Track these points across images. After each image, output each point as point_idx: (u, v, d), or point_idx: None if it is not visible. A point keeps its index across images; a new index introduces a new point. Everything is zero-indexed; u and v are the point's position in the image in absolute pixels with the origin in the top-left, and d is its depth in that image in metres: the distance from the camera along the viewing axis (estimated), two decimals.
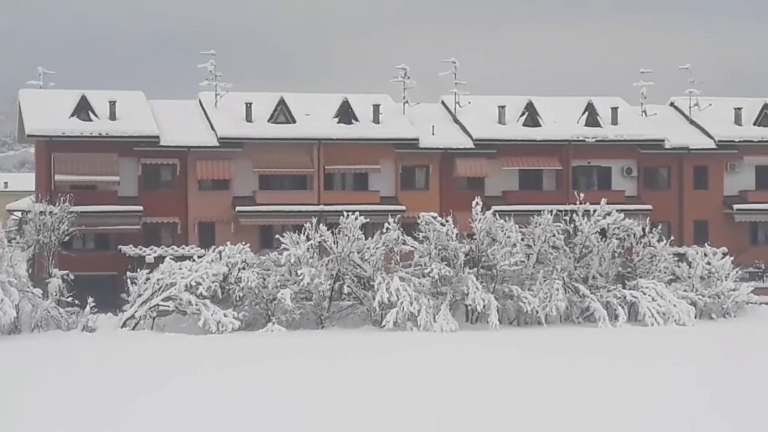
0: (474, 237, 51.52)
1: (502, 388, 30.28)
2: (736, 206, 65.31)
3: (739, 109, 67.45)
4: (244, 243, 51.80)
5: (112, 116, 59.64)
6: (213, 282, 48.83)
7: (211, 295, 48.83)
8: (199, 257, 50.97)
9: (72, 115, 59.11)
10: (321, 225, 51.59)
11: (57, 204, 54.20)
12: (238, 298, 49.53)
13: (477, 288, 49.06)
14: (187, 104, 64.73)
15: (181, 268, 49.22)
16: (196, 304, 48.05)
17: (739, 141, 65.90)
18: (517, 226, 51.59)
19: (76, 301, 49.38)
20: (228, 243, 51.78)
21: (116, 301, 51.84)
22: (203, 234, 59.94)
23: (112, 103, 59.83)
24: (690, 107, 68.32)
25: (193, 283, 48.43)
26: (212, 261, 49.98)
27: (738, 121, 67.14)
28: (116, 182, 58.73)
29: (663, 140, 64.82)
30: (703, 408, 27.22)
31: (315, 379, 32.32)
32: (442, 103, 67.15)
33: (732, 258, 55.42)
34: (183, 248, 56.69)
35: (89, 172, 58.29)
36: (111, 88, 63.42)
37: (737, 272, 54.59)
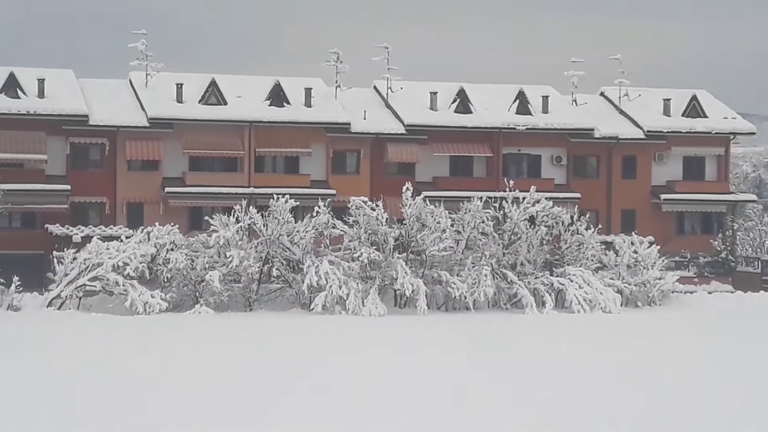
0: (404, 222, 51.57)
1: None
2: (663, 196, 66.03)
3: (668, 100, 68.13)
4: (172, 224, 51.45)
5: (41, 94, 59.05)
6: (141, 263, 48.46)
7: (138, 275, 48.46)
8: (127, 238, 50.53)
9: (0, 92, 58.41)
10: (251, 207, 51.35)
11: None
12: (165, 280, 49.20)
13: (406, 273, 49.12)
14: (117, 84, 64.25)
15: (108, 248, 48.77)
16: (123, 285, 47.67)
17: (668, 131, 66.60)
18: (446, 212, 51.68)
19: (1, 280, 48.72)
20: (157, 224, 51.41)
21: (42, 281, 51.32)
22: (132, 214, 59.56)
23: (41, 81, 59.23)
24: (620, 97, 68.93)
25: (121, 264, 48.04)
26: (140, 242, 49.60)
27: (667, 111, 67.82)
28: (44, 161, 58.18)
29: (592, 129, 65.35)
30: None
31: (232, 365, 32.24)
32: (375, 88, 67.21)
33: (658, 247, 55.94)
34: (111, 228, 56.28)
35: (16, 150, 57.67)
36: (40, 65, 62.69)
37: (663, 261, 55.10)
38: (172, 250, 49.38)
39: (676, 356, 34.94)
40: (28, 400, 25.46)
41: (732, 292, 60.07)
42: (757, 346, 38.21)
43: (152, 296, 47.43)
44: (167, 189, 59.60)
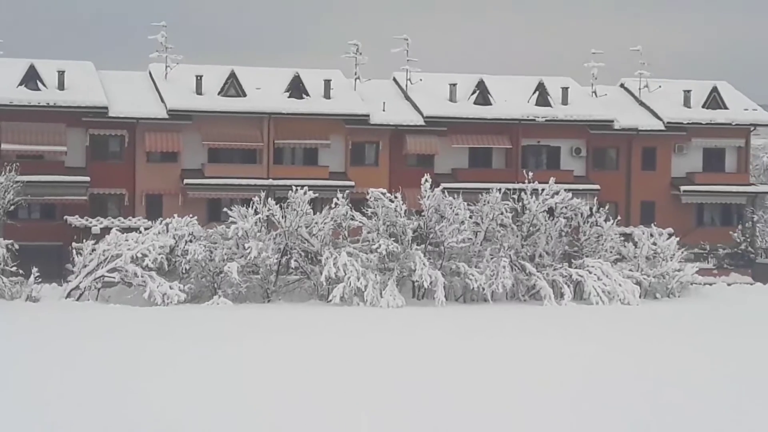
0: (422, 214, 51.55)
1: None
2: (683, 188, 65.85)
3: (689, 91, 67.90)
4: (191, 215, 51.57)
5: (61, 86, 59.22)
6: (159, 254, 48.57)
7: (157, 267, 48.57)
8: (145, 229, 50.66)
9: (20, 84, 58.66)
10: (270, 199, 51.39)
11: (3, 173, 53.69)
12: (184, 271, 49.31)
13: (424, 264, 49.10)
14: (136, 75, 64.42)
15: (127, 240, 48.93)
16: (142, 276, 47.81)
17: (688, 123, 66.39)
18: (465, 203, 51.64)
19: (21, 271, 48.92)
20: (175, 215, 51.55)
21: (61, 272, 51.53)
22: (150, 206, 59.72)
23: (61, 73, 59.40)
24: (640, 89, 68.72)
25: (139, 255, 48.17)
26: (159, 233, 49.73)
27: (687, 103, 67.61)
28: (63, 152, 58.35)
29: (612, 121, 65.19)
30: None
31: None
32: (394, 79, 67.18)
33: (678, 239, 55.79)
34: (130, 220, 56.47)
35: (36, 142, 57.89)
36: (60, 57, 62.90)
37: (682, 253, 54.95)
38: (190, 241, 49.51)
39: (681, 350, 34.87)
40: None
41: (751, 284, 59.92)
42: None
43: (170, 287, 47.56)
44: (186, 181, 59.72)
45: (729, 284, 59.19)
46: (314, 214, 50.72)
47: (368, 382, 27.29)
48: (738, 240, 64.39)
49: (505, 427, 22.82)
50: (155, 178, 60.12)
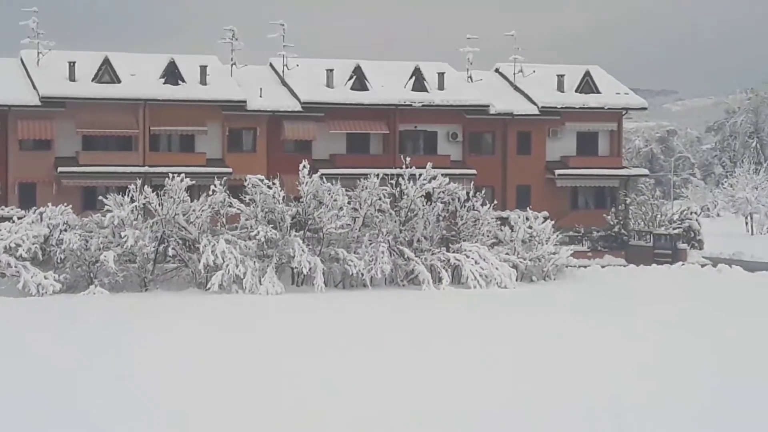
0: (301, 200, 51.51)
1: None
2: (557, 171, 66.85)
3: (562, 76, 68.88)
4: (66, 204, 50.80)
5: None
6: (33, 244, 47.81)
7: (31, 257, 47.80)
8: (19, 218, 49.81)
9: None
10: (146, 187, 50.86)
11: None
12: (59, 261, 48.60)
13: (303, 251, 49.07)
14: (7, 62, 63.24)
15: (0, 229, 48.05)
16: (16, 267, 47.01)
17: (561, 107, 67.37)
18: (343, 189, 51.68)
19: None
20: (49, 204, 50.73)
21: None
22: (24, 195, 58.73)
23: None
24: (514, 74, 69.54)
25: (13, 245, 47.34)
26: (33, 222, 48.94)
27: (560, 87, 68.58)
28: None
29: (488, 106, 65.84)
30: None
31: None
32: (270, 65, 66.96)
33: (553, 222, 56.58)
34: (2, 209, 55.53)
35: None
36: None
37: (557, 236, 55.73)
38: (65, 230, 48.81)
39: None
40: None
41: (625, 266, 61.06)
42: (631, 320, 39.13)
43: (45, 277, 46.84)
44: (60, 169, 58.83)
45: (603, 266, 60.24)
46: (192, 201, 50.33)
47: (265, 377, 27.29)
48: (611, 222, 65.62)
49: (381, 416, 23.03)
50: (28, 166, 59.11)
